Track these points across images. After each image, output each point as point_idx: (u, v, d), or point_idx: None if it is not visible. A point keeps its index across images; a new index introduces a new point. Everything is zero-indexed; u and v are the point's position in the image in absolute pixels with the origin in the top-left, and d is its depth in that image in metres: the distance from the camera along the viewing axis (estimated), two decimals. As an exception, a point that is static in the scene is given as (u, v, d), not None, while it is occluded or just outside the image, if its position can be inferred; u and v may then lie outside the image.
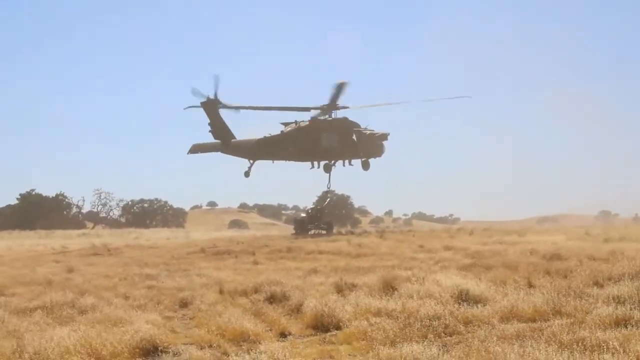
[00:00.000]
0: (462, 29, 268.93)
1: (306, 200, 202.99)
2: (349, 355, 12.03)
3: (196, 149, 60.26)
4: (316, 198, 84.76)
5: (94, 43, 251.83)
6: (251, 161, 59.14)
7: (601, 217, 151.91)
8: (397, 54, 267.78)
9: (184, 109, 57.59)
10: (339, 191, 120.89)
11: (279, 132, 59.38)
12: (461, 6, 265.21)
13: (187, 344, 13.23)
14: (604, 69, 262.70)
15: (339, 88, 56.24)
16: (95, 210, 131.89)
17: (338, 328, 14.08)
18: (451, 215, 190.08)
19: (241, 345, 13.07)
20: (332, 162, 60.88)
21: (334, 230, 64.60)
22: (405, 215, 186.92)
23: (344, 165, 61.02)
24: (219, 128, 56.84)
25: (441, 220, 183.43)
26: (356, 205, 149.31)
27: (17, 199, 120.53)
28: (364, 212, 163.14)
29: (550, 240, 35.22)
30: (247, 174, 59.69)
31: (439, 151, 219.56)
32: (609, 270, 18.26)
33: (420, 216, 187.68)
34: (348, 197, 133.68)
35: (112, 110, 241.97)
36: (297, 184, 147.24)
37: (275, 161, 60.06)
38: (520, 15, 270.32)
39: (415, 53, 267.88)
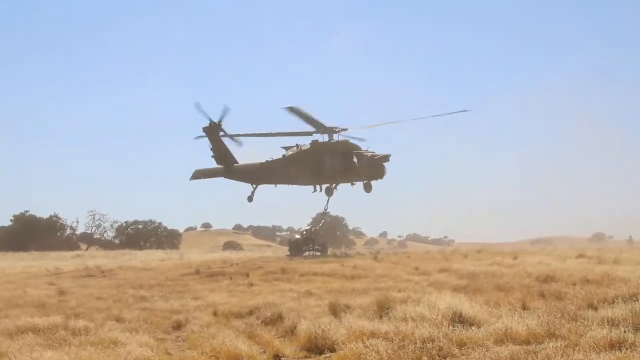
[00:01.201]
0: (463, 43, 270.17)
1: (301, 222, 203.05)
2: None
3: (199, 174, 59.95)
4: (311, 219, 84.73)
5: (87, 63, 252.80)
6: (254, 185, 58.90)
7: (595, 239, 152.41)
8: (396, 66, 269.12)
9: (194, 139, 57.45)
10: (333, 213, 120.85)
11: (280, 156, 59.26)
12: (459, 18, 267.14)
13: (180, 366, 13.18)
14: (600, 91, 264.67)
15: (297, 113, 55.92)
16: (89, 231, 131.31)
17: (332, 350, 14.04)
18: (446, 237, 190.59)
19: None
20: (334, 185, 60.66)
21: (329, 252, 64.49)
22: (399, 236, 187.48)
23: (352, 185, 60.91)
24: (221, 153, 56.64)
25: (436, 242, 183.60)
26: (351, 227, 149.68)
27: (11, 220, 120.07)
28: (358, 233, 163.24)
29: (544, 262, 35.19)
30: (250, 199, 59.38)
31: (434, 173, 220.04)
32: (603, 293, 18.25)
33: (415, 238, 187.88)
34: (343, 218, 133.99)
35: (107, 131, 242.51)
36: (292, 205, 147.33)
37: (277, 185, 59.84)
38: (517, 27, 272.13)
39: (412, 63, 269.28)
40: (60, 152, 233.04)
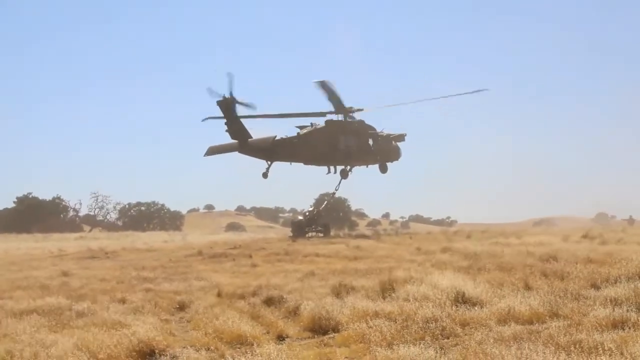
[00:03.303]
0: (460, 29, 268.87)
1: (303, 203, 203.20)
2: (346, 357, 12.03)
3: (213, 150, 59.11)
4: (314, 201, 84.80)
5: (91, 46, 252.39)
6: (269, 162, 58.00)
7: (598, 219, 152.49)
8: (396, 53, 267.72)
9: (202, 120, 56.83)
10: (336, 194, 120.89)
11: (295, 134, 58.54)
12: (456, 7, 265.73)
13: (184, 347, 13.22)
14: (602, 71, 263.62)
15: (326, 89, 55.16)
16: (92, 213, 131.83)
17: (336, 330, 14.08)
18: (448, 217, 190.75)
19: (238, 348, 13.07)
20: (349, 168, 59.95)
21: (331, 233, 64.60)
22: (402, 217, 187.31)
23: (367, 167, 60.36)
24: (235, 128, 55.62)
25: (438, 222, 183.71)
26: (353, 208, 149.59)
27: (14, 202, 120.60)
28: (361, 214, 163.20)
29: (547, 242, 35.22)
30: (265, 175, 58.37)
31: (436, 153, 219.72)
32: (606, 272, 18.26)
33: (418, 219, 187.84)
34: (345, 199, 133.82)
35: (110, 113, 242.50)
36: (295, 187, 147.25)
37: (292, 163, 59.01)
38: (516, 17, 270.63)
39: (410, 51, 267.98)
40: (63, 134, 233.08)
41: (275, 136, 57.87)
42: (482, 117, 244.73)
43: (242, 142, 56.42)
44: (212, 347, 12.99)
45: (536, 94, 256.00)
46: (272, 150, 57.34)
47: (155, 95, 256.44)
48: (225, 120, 55.28)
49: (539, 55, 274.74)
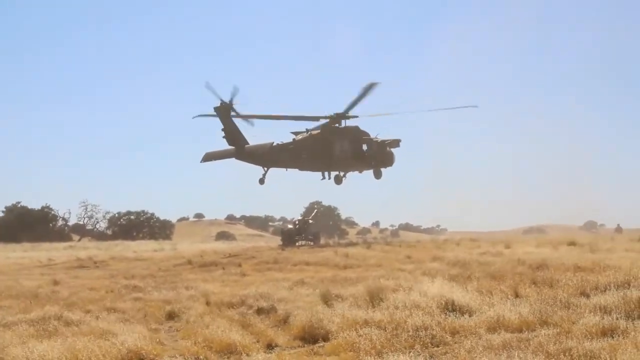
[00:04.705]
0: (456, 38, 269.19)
1: (293, 212, 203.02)
2: (336, 366, 12.02)
3: (209, 157, 59.14)
4: (304, 209, 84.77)
5: (79, 56, 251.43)
6: (265, 168, 58.17)
7: (587, 228, 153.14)
8: (397, 58, 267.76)
9: (193, 117, 56.68)
10: (326, 202, 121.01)
11: (291, 140, 58.74)
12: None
13: (173, 356, 13.16)
14: (592, 80, 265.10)
15: (367, 89, 54.35)
16: (81, 222, 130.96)
17: (325, 339, 14.06)
18: (438, 226, 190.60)
19: (228, 357, 13.03)
20: (343, 174, 60.02)
21: (321, 242, 64.53)
22: (392, 226, 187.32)
23: (360, 172, 60.34)
24: (232, 134, 55.85)
25: (428, 231, 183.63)
26: (343, 217, 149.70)
27: (3, 211, 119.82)
28: (351, 223, 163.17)
29: (536, 251, 35.30)
30: (261, 181, 58.45)
31: (426, 161, 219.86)
32: (595, 280, 18.31)
33: (407, 227, 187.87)
34: (335, 208, 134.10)
35: (99, 122, 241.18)
36: (285, 195, 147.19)
37: (288, 169, 59.10)
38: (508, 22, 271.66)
39: (410, 51, 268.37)
40: (52, 143, 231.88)
41: (273, 142, 58.06)
42: (472, 126, 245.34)
43: (239, 148, 56.61)
44: (201, 356, 12.96)
45: (525, 101, 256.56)
46: (268, 157, 57.51)
47: (144, 104, 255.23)
48: (222, 127, 55.46)
49: (538, 57, 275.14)
